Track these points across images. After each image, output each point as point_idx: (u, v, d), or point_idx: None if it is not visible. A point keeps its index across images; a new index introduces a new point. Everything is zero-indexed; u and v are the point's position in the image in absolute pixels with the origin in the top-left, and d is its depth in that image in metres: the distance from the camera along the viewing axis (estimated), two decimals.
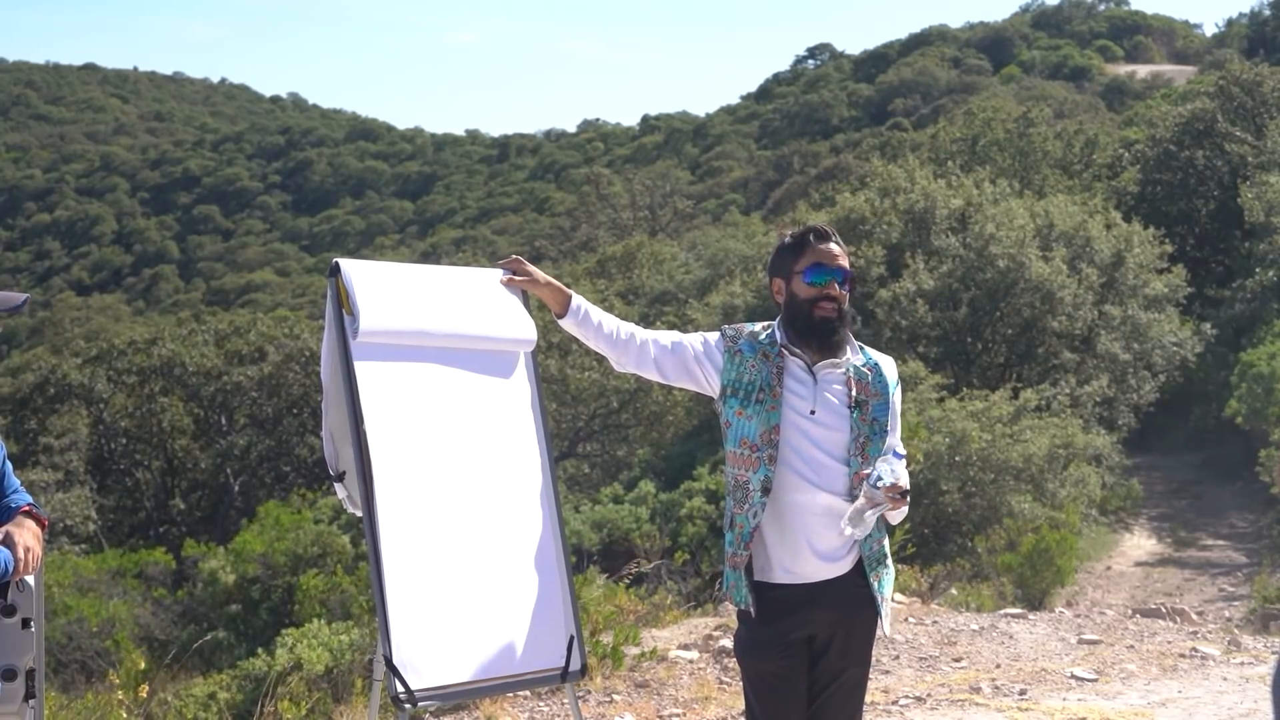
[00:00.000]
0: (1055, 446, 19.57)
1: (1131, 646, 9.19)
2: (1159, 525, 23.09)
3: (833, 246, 4.01)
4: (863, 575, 3.94)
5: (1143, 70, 76.91)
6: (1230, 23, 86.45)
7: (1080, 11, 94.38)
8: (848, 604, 3.93)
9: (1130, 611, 11.94)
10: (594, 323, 4.10)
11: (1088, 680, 8.06)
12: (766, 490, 3.88)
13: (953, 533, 18.20)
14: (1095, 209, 28.34)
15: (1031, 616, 10.50)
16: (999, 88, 68.75)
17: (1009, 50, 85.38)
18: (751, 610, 3.91)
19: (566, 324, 4.13)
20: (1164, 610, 11.31)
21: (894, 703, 7.45)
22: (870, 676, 7.87)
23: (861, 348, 4.07)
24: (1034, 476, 18.88)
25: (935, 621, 9.65)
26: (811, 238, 4.03)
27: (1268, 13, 77.40)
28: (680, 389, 4.22)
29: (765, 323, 4.10)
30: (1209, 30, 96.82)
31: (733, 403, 3.96)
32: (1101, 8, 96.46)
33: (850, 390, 3.95)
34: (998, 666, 8.43)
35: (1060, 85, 69.96)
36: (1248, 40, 75.17)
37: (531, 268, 4.40)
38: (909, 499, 3.87)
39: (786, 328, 4.01)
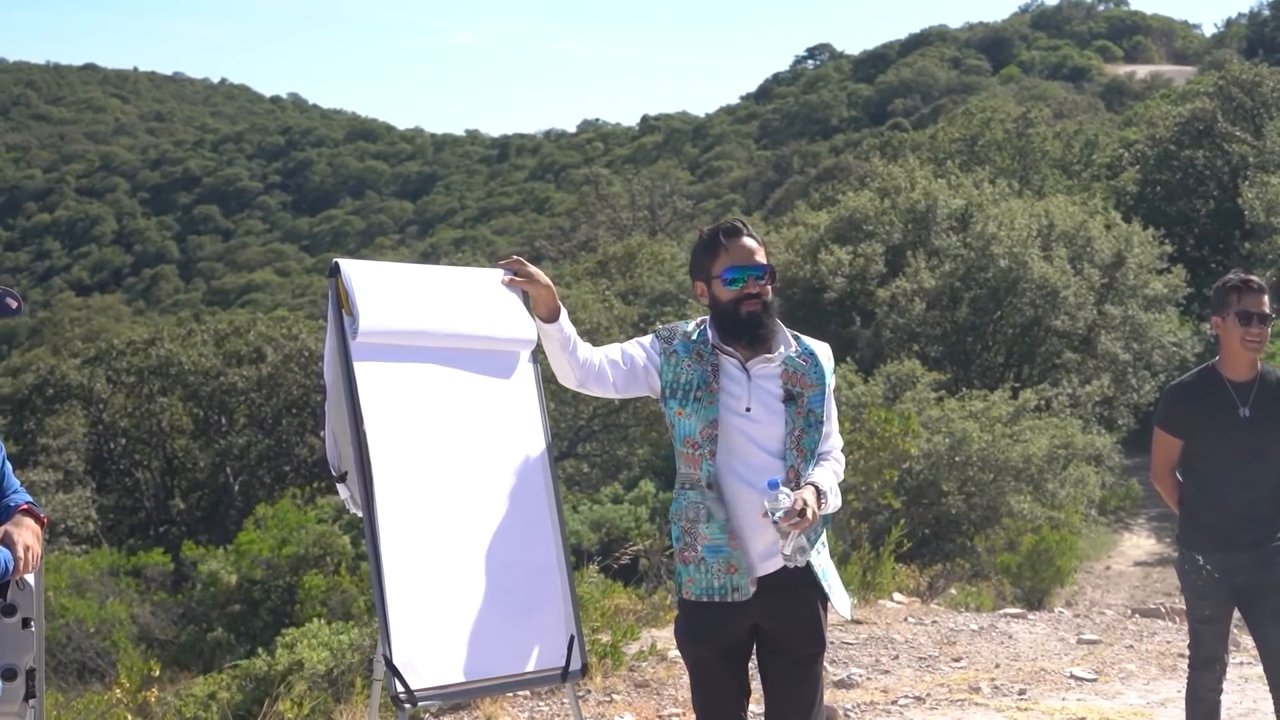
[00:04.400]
0: (1055, 447, 19.57)
1: (1131, 646, 9.19)
2: (1158, 525, 23.07)
3: (746, 241, 4.00)
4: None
5: (1142, 70, 76.93)
6: (1229, 23, 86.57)
7: (1080, 12, 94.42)
8: (787, 588, 3.94)
9: (1129, 611, 11.93)
10: (572, 340, 4.09)
11: (1087, 680, 8.07)
12: (710, 485, 3.91)
13: (952, 532, 18.19)
14: (1095, 209, 28.35)
15: (1031, 616, 10.50)
16: (998, 88, 68.77)
17: (1008, 50, 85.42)
18: (742, 595, 3.90)
19: (550, 330, 4.06)
20: (1163, 610, 11.31)
21: (893, 703, 7.45)
22: (870, 676, 7.90)
23: (797, 336, 4.08)
24: (1034, 477, 18.87)
25: (935, 621, 9.65)
26: (722, 236, 4.03)
27: (1267, 13, 77.48)
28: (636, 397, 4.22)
29: (698, 319, 4.11)
30: (1208, 30, 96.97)
31: (672, 403, 4.00)
32: (1101, 8, 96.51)
33: (784, 383, 3.96)
34: (997, 666, 8.43)
35: (1059, 85, 69.99)
36: (1247, 40, 75.23)
37: (532, 268, 4.39)
38: (826, 500, 3.87)
39: (715, 328, 4.02)
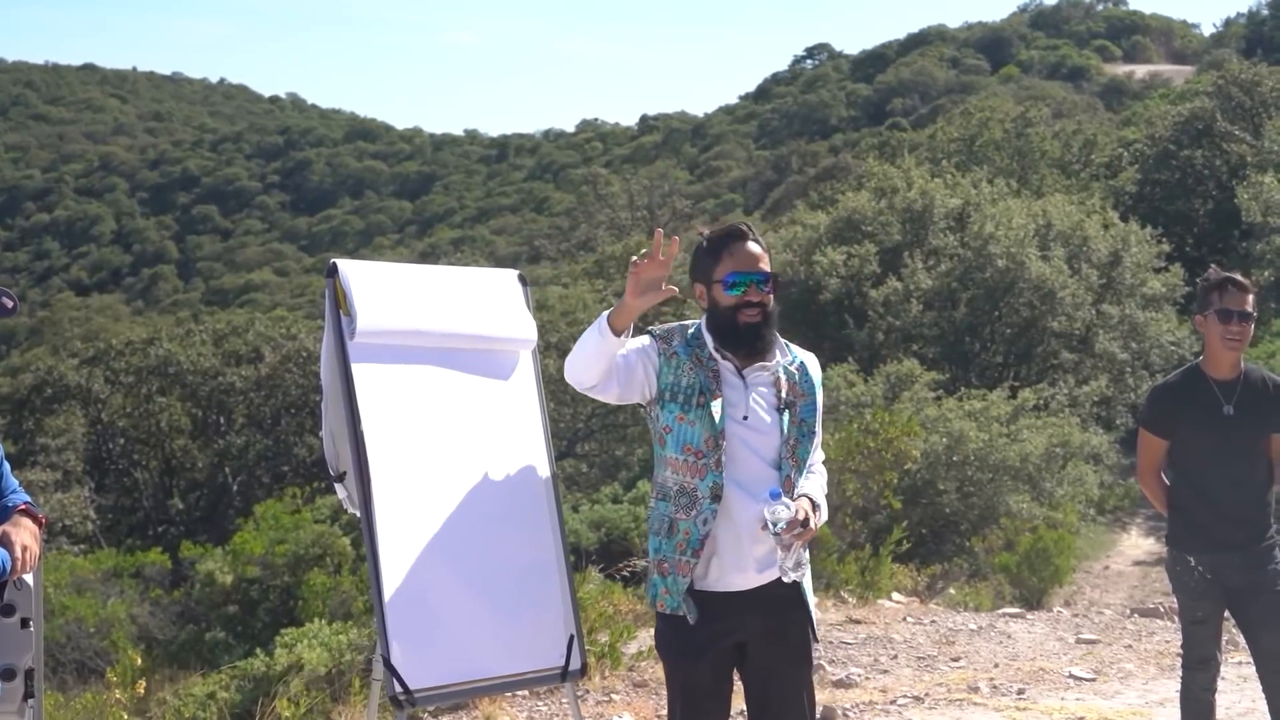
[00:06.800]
0: (1053, 446, 19.59)
1: (1129, 646, 9.19)
2: (1157, 525, 23.07)
3: (751, 246, 3.89)
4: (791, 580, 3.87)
5: (1141, 70, 77.03)
6: (1228, 22, 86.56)
7: (1078, 11, 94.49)
8: (777, 606, 3.87)
9: (1128, 611, 11.93)
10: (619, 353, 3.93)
11: (1086, 680, 8.06)
12: (717, 497, 3.81)
13: (950, 532, 18.20)
14: (1093, 209, 28.38)
15: (1029, 616, 10.51)
16: (997, 88, 68.82)
17: (1007, 50, 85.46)
18: (691, 617, 3.84)
19: (614, 343, 3.83)
20: (1162, 610, 11.31)
21: (892, 702, 7.45)
22: (868, 676, 7.90)
23: (787, 345, 4.00)
24: (1031, 476, 18.89)
25: (933, 621, 9.66)
26: (728, 240, 3.93)
27: (1266, 13, 77.53)
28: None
29: (691, 321, 3.99)
30: (1207, 30, 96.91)
31: (672, 408, 3.87)
32: (1100, 8, 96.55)
33: (780, 392, 3.90)
34: (996, 666, 8.43)
35: (1058, 85, 70.08)
36: (1245, 40, 75.28)
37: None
38: (819, 514, 3.83)
39: (712, 333, 3.92)
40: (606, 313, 3.84)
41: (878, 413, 16.33)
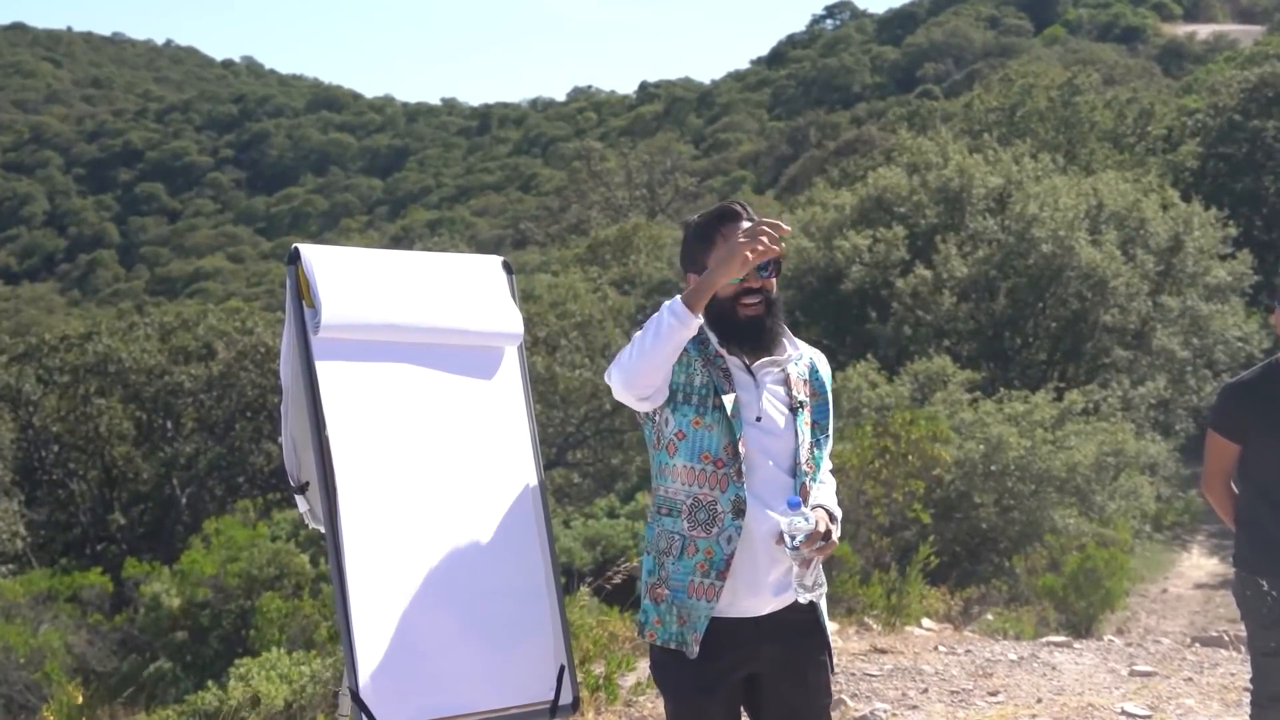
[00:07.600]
0: (1104, 454, 19.61)
1: (1190, 679, 9.20)
2: (1221, 543, 23.10)
3: (746, 227, 3.76)
4: (808, 602, 3.88)
5: (1204, 30, 77.04)
6: None
7: None
8: (795, 635, 3.89)
9: (1189, 640, 11.95)
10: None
11: (1140, 717, 8.08)
12: (740, 511, 3.80)
13: (988, 551, 18.23)
14: (1150, 187, 28.40)
15: (1077, 645, 10.52)
16: (1041, 50, 68.95)
17: (1052, 8, 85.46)
18: (689, 652, 3.83)
19: (696, 327, 3.72)
20: (1227, 639, 11.32)
21: None
22: (895, 712, 7.91)
23: (792, 340, 4.01)
24: (1079, 488, 18.92)
25: (968, 650, 9.67)
26: (720, 222, 3.91)
27: None
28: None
29: None
30: None
31: (687, 410, 3.84)
32: None
33: (790, 390, 3.91)
34: (1039, 701, 8.44)
35: (1110, 48, 70.14)
36: None
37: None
38: (837, 526, 3.85)
39: (711, 328, 3.89)
40: (674, 299, 3.70)
41: (898, 413, 16.37)
